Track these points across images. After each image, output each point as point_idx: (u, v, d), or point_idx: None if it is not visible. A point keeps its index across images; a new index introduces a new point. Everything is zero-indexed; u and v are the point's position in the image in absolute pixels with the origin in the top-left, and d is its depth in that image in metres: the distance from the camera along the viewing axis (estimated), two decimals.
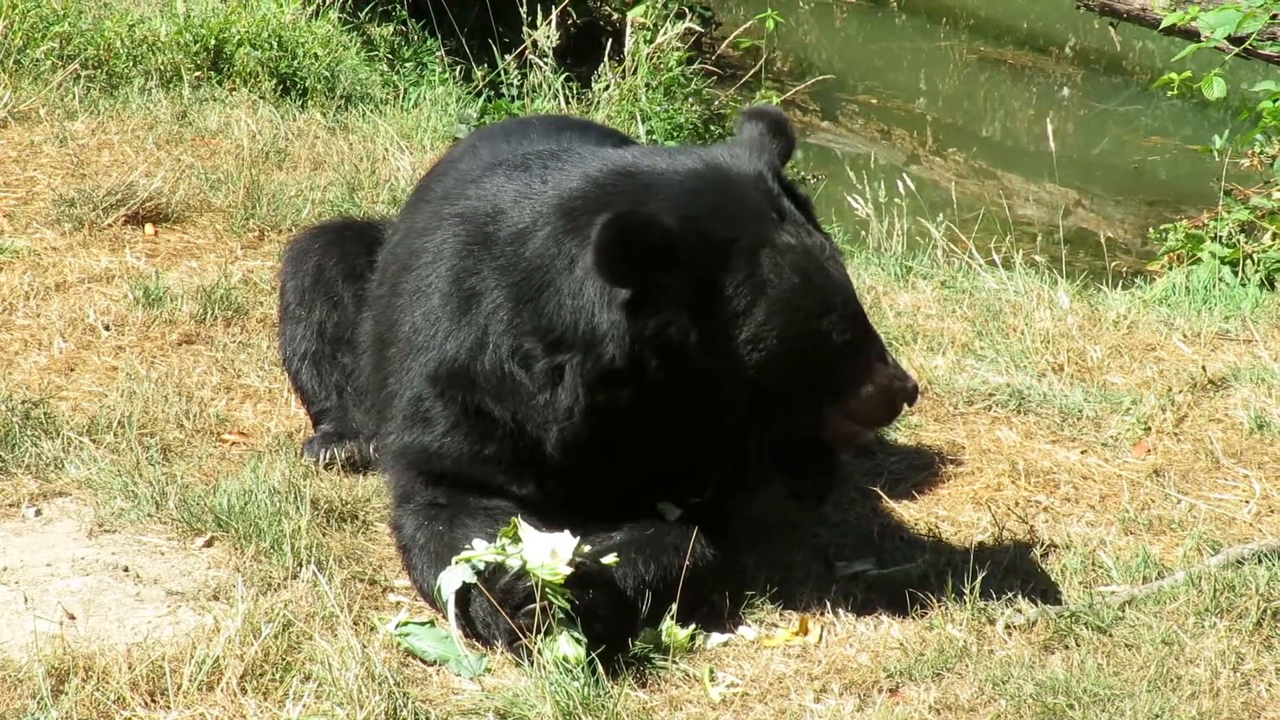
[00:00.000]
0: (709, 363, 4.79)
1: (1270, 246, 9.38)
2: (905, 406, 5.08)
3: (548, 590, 4.67)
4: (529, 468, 5.05)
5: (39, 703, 4.42)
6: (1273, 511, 5.97)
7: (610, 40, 11.82)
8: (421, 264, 5.16)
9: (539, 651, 4.66)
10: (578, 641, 4.67)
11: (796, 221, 4.91)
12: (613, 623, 4.78)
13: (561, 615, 4.68)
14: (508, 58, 11.63)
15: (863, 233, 9.82)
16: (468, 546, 4.85)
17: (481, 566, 4.80)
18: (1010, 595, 5.25)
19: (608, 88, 11.15)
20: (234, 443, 6.08)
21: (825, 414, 5.03)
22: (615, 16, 14.47)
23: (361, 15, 12.41)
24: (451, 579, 4.81)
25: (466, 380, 5.03)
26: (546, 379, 4.87)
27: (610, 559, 4.81)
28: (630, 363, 4.77)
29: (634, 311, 4.72)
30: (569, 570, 4.69)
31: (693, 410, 4.90)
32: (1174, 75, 10.25)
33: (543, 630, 4.67)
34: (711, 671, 4.85)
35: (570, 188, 4.93)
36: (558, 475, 5.03)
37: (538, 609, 4.67)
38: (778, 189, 4.96)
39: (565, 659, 4.64)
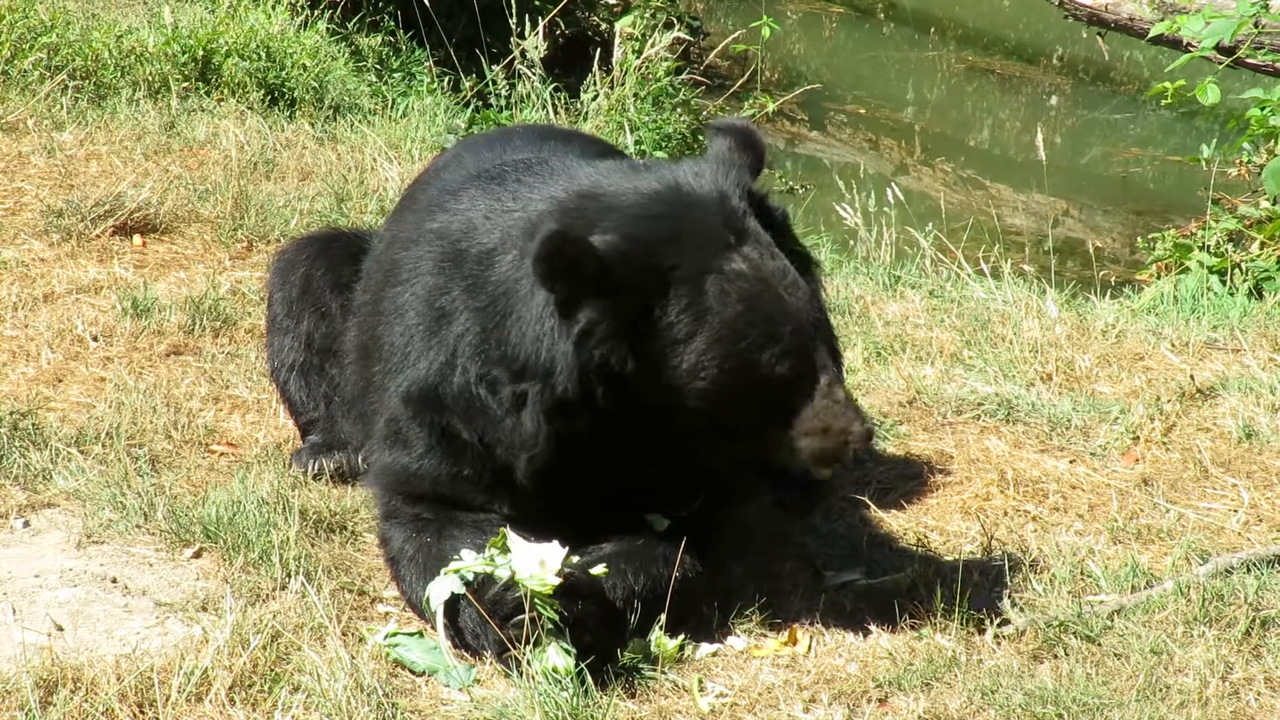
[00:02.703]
0: (650, 393, 4.75)
1: (1258, 256, 9.40)
2: (854, 450, 4.90)
3: (536, 601, 4.67)
4: (506, 487, 5.04)
5: (27, 714, 4.40)
6: (1261, 520, 5.98)
7: (598, 50, 11.82)
8: (400, 279, 5.17)
9: (528, 662, 4.65)
10: (567, 652, 4.66)
11: (759, 243, 4.80)
12: (602, 633, 4.77)
13: (550, 626, 4.68)
14: (496, 68, 11.65)
15: (851, 242, 9.83)
16: (456, 558, 4.85)
17: (470, 577, 4.79)
18: (999, 605, 5.25)
19: (596, 98, 11.16)
20: (222, 453, 6.07)
21: (772, 446, 4.92)
22: (603, 27, 14.50)
23: (350, 26, 12.43)
24: (440, 590, 4.81)
25: (437, 402, 5.04)
26: (511, 405, 4.86)
27: (599, 570, 4.80)
28: (582, 393, 4.75)
29: (581, 341, 4.70)
30: (558, 581, 4.69)
31: (646, 438, 4.89)
32: (1167, 84, 10.29)
33: (532, 641, 4.66)
34: (700, 682, 4.85)
35: (537, 210, 4.92)
36: (532, 495, 5.02)
37: (526, 619, 4.66)
38: (743, 207, 4.85)
39: (555, 669, 4.64)
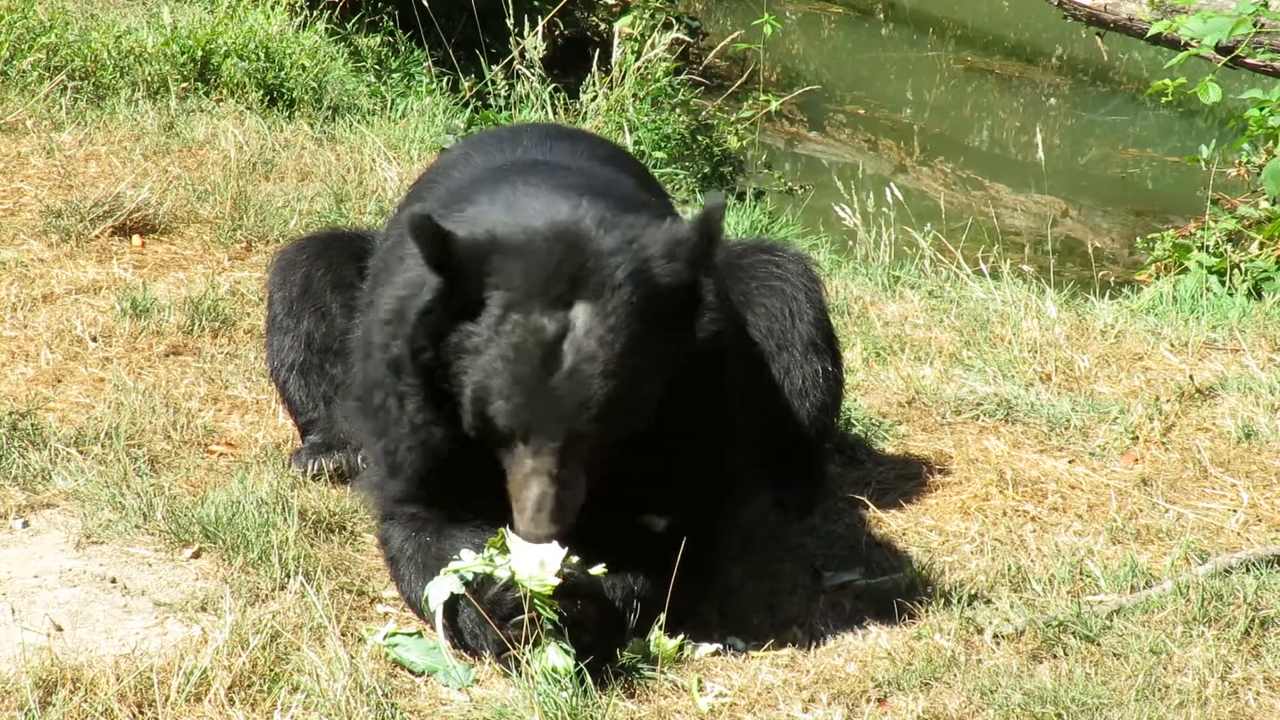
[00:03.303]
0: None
1: (1257, 256, 9.40)
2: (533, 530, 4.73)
3: (536, 601, 4.66)
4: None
5: (26, 714, 4.40)
6: (1260, 520, 5.98)
7: (598, 51, 11.81)
8: (388, 281, 5.19)
9: (527, 662, 4.65)
10: (566, 652, 4.66)
11: (594, 310, 4.62)
12: (601, 634, 4.77)
13: (550, 626, 4.68)
14: (495, 68, 11.64)
15: (850, 243, 9.84)
16: (455, 557, 4.84)
17: (469, 577, 4.79)
18: (998, 605, 5.25)
19: (595, 98, 11.15)
20: (221, 454, 6.07)
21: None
22: (602, 27, 14.49)
23: (349, 26, 12.42)
24: (439, 590, 4.80)
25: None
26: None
27: (598, 570, 4.79)
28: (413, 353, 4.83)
29: (426, 307, 4.78)
30: (557, 581, 4.68)
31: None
32: (1167, 82, 10.28)
33: (531, 641, 4.66)
34: (700, 682, 4.85)
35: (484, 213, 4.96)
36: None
37: (526, 619, 4.66)
38: (616, 276, 4.65)
39: (554, 669, 4.64)
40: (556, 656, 4.65)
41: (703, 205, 4.82)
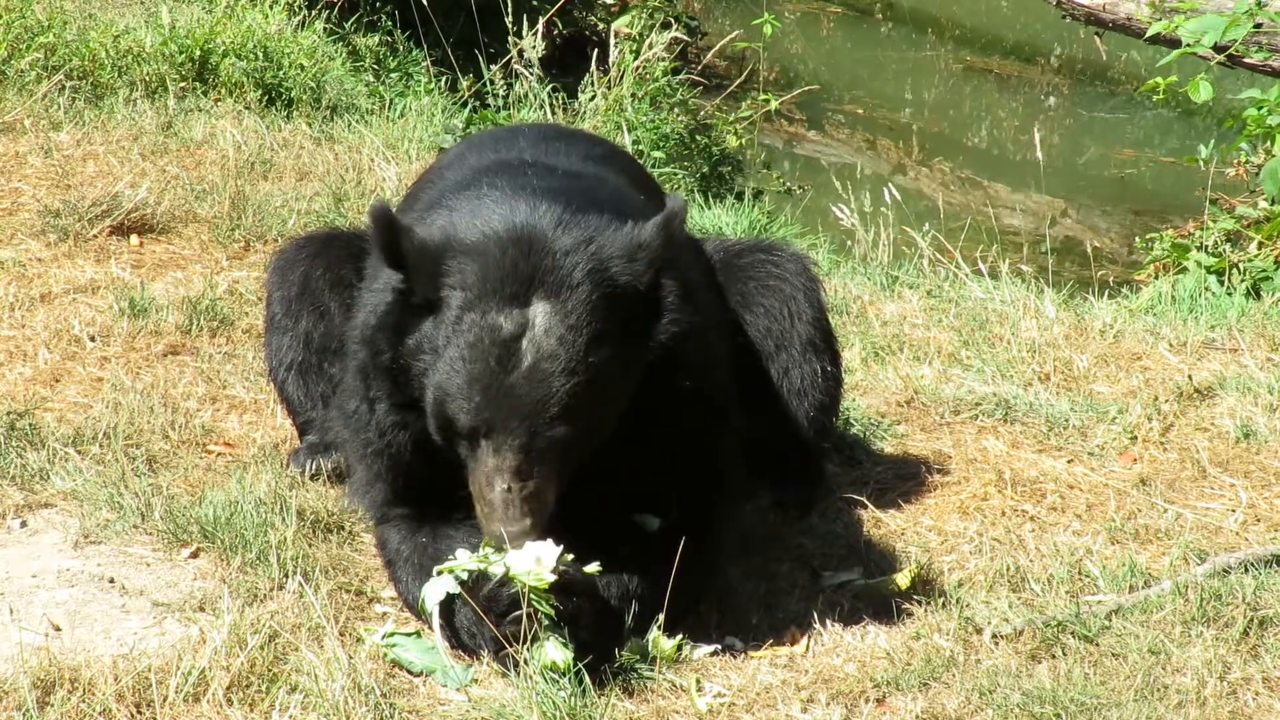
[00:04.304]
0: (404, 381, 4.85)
1: (1256, 255, 9.40)
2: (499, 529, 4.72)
3: (532, 597, 4.66)
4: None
5: (24, 715, 4.40)
6: (1259, 520, 5.98)
7: (596, 50, 11.81)
8: (369, 287, 5.19)
9: (526, 661, 4.65)
10: (565, 645, 4.66)
11: (551, 310, 4.65)
12: (598, 630, 4.76)
13: (547, 622, 4.67)
14: (493, 68, 11.64)
15: (849, 242, 9.83)
16: (451, 557, 4.84)
17: (465, 576, 4.78)
18: (997, 605, 5.25)
19: (593, 98, 11.15)
20: (219, 454, 6.06)
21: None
22: (601, 27, 14.49)
23: (347, 26, 12.42)
24: (435, 590, 4.79)
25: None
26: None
27: (593, 567, 4.79)
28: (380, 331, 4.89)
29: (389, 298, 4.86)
30: (553, 578, 4.68)
31: None
32: (1159, 80, 10.28)
33: (529, 639, 4.66)
34: (698, 682, 4.84)
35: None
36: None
37: (523, 615, 4.65)
38: (583, 271, 4.69)
39: (553, 664, 4.63)
40: (555, 651, 4.65)
41: (667, 206, 4.84)
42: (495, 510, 4.70)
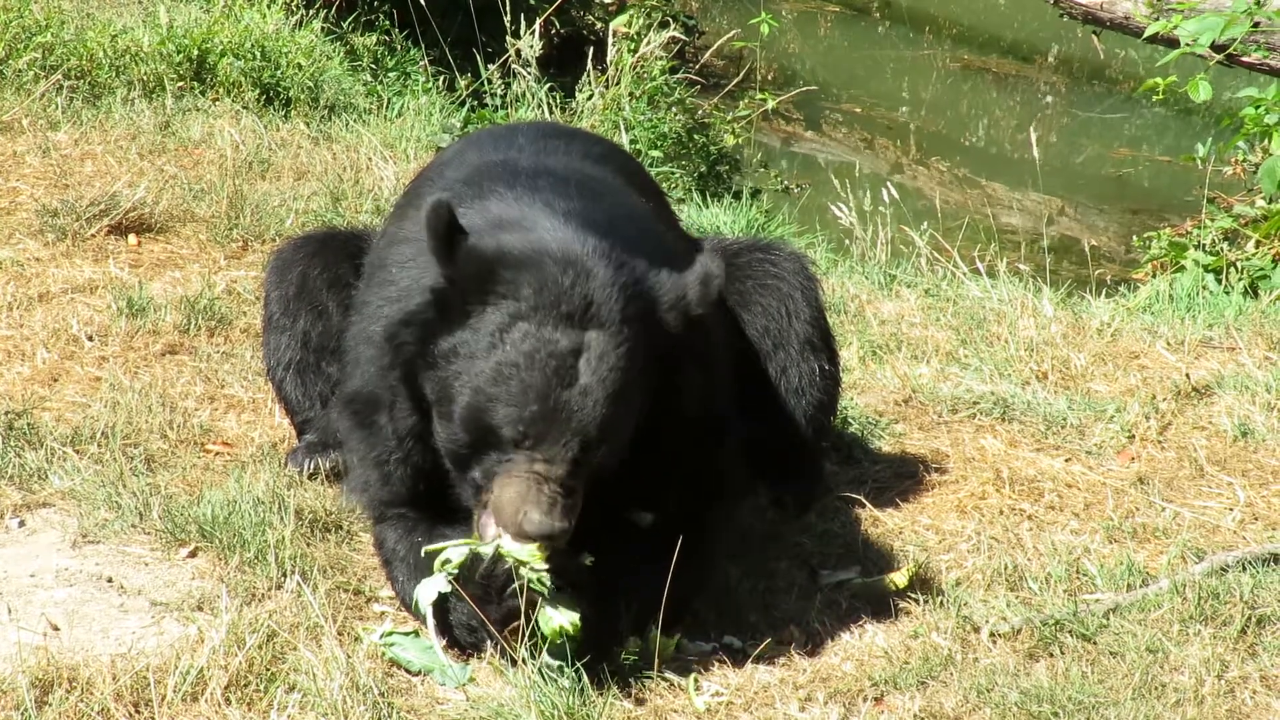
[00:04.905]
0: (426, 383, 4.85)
1: (1253, 254, 9.40)
2: (529, 533, 4.69)
3: (528, 574, 4.63)
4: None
5: (23, 714, 4.40)
6: (1256, 519, 5.99)
7: (593, 49, 11.82)
8: (380, 280, 5.18)
9: (529, 635, 4.63)
10: (571, 607, 4.64)
11: (602, 337, 4.69)
12: (597, 629, 4.75)
13: (547, 591, 4.65)
14: (491, 67, 11.64)
15: (847, 241, 9.84)
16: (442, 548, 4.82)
17: (456, 571, 4.75)
18: (995, 603, 5.26)
19: (591, 97, 11.16)
20: (218, 453, 6.06)
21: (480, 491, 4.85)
22: (598, 26, 14.49)
23: (345, 25, 12.42)
24: (429, 589, 4.78)
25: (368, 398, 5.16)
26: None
27: (587, 560, 4.78)
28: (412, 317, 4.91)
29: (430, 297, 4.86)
30: (545, 556, 4.66)
31: None
32: (1159, 80, 10.28)
33: (528, 617, 4.64)
34: (696, 680, 4.85)
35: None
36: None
37: (521, 588, 4.63)
38: (617, 308, 4.72)
39: (561, 629, 4.61)
40: (561, 616, 4.63)
41: (703, 265, 4.87)
42: (545, 506, 4.65)
